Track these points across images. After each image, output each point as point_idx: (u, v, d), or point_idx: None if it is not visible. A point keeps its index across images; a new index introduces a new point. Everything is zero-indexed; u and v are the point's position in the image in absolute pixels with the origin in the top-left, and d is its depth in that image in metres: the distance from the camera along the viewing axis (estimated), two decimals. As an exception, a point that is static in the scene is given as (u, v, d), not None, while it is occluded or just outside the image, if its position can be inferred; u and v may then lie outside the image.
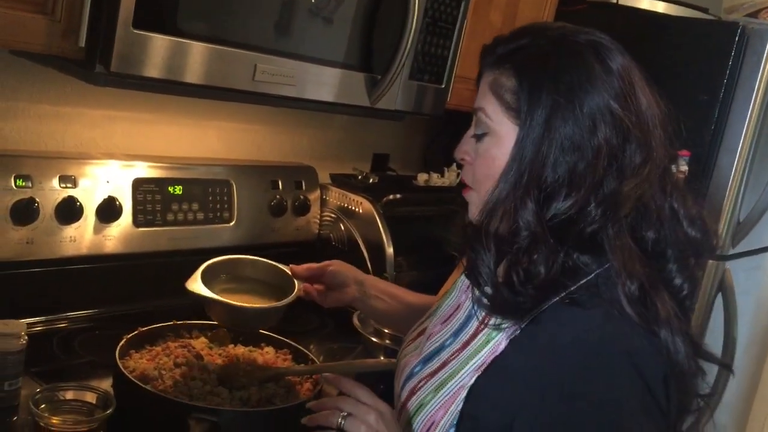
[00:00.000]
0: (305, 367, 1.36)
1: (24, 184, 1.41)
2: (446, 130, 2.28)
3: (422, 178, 2.12)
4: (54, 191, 1.45)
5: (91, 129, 1.63)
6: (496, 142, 0.94)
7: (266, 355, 1.38)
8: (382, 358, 1.61)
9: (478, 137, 0.97)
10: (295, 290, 1.32)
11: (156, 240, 1.62)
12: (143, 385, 1.16)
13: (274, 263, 1.39)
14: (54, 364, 1.36)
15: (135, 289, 1.63)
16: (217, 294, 1.26)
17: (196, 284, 1.25)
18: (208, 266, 1.31)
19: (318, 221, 1.95)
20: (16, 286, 1.44)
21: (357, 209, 1.90)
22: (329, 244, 1.95)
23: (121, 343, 1.28)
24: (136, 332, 1.33)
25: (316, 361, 1.37)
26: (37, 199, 1.41)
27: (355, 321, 1.68)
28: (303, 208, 1.89)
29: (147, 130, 1.72)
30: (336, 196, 1.95)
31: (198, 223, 1.69)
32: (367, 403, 0.96)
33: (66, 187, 1.46)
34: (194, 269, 1.30)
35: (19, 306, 1.42)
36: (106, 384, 1.25)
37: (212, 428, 1.11)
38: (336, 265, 1.39)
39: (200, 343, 1.36)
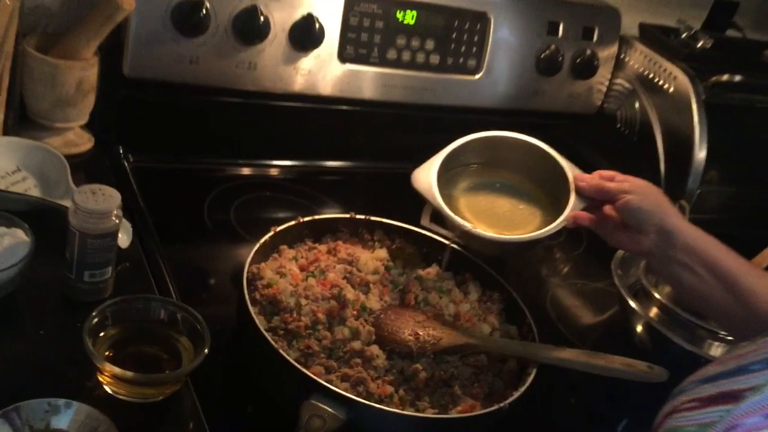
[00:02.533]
0: (509, 343, 0.88)
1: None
2: None
3: (784, 49, 1.41)
4: (234, -4, 1.05)
5: None
6: None
7: (461, 304, 0.92)
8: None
9: None
10: (562, 217, 0.88)
11: (367, 83, 1.18)
12: (259, 326, 0.78)
13: (556, 156, 0.93)
14: (191, 234, 1.05)
15: (328, 144, 1.24)
16: (461, 193, 0.95)
17: (422, 180, 0.90)
18: (462, 146, 0.94)
19: (604, 89, 1.39)
20: (172, 117, 1.12)
21: (666, 84, 1.29)
22: (611, 126, 1.39)
23: (264, 238, 0.91)
24: (293, 222, 0.95)
25: (533, 330, 0.89)
26: (208, 4, 1.02)
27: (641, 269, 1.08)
28: (587, 68, 1.33)
29: None
30: (639, 59, 1.35)
31: (430, 69, 1.22)
32: None
33: (260, -7, 1.06)
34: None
35: (170, 146, 1.13)
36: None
37: (337, 430, 0.71)
38: (637, 193, 0.85)
39: (375, 260, 0.94)
